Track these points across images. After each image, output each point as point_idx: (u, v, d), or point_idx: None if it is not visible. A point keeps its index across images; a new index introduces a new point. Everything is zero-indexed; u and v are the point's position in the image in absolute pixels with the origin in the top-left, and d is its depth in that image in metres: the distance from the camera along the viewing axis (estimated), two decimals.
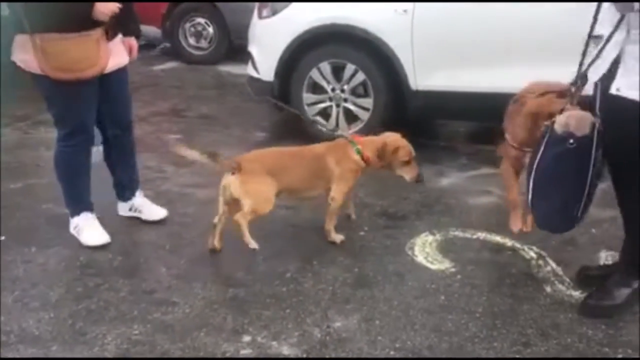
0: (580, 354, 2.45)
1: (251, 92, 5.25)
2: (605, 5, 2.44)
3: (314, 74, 4.71)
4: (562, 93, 2.80)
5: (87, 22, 2.91)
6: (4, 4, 3.02)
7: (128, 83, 3.34)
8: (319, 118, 4.75)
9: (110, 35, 3.05)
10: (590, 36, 2.60)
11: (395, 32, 4.44)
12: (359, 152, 3.23)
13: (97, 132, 3.32)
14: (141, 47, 3.38)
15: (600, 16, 2.46)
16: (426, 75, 4.44)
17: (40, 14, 2.84)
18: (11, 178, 4.07)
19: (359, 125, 4.63)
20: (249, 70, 5.08)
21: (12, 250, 3.19)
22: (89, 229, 3.26)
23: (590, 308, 2.68)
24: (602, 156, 2.48)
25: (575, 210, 2.53)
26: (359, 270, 3.03)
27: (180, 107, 5.99)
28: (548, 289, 2.87)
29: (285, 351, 2.46)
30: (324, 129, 4.70)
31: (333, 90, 4.72)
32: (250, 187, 3.08)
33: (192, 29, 7.82)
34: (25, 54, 2.94)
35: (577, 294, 2.82)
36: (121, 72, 3.23)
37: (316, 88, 4.78)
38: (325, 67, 4.68)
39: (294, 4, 4.70)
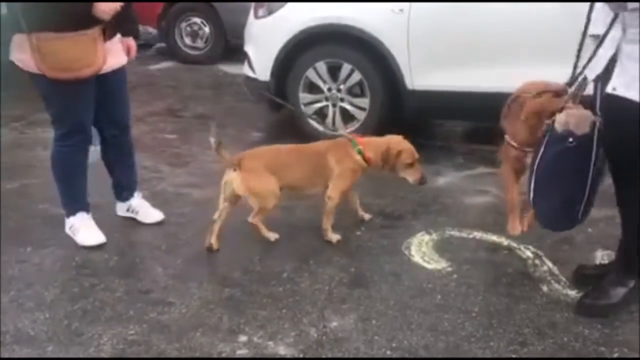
0: (576, 353, 2.45)
1: (247, 91, 5.25)
2: (599, 5, 2.44)
3: (310, 73, 4.71)
4: (558, 92, 2.81)
5: (84, 21, 2.90)
6: (2, 3, 3.01)
7: (126, 83, 3.33)
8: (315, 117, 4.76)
9: (108, 35, 3.04)
10: (584, 36, 2.61)
11: (391, 31, 4.44)
12: (360, 152, 3.23)
13: (94, 132, 3.31)
14: (137, 47, 3.37)
15: (593, 15, 2.47)
16: (422, 75, 4.44)
17: (38, 13, 2.83)
18: (7, 178, 4.06)
19: (355, 125, 4.63)
20: (245, 70, 5.07)
21: (7, 250, 3.18)
22: (84, 229, 3.25)
23: (586, 307, 2.68)
24: (603, 155, 2.48)
25: (576, 209, 2.53)
26: (356, 270, 3.03)
27: (176, 107, 5.99)
28: (544, 288, 2.88)
29: (282, 351, 2.46)
30: (320, 128, 4.73)
31: (329, 90, 4.72)
32: (253, 183, 3.12)
33: (188, 29, 7.81)
34: (22, 54, 2.94)
35: (573, 293, 2.82)
36: (119, 72, 3.22)
37: (312, 88, 4.77)
38: (322, 66, 4.67)
39: (290, 3, 4.70)
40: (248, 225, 3.34)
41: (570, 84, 2.76)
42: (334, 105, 4.73)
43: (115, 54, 3.16)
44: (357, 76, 4.61)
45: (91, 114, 3.16)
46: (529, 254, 3.18)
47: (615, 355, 2.43)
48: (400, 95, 4.53)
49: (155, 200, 3.68)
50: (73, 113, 3.09)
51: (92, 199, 3.37)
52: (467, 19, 4.30)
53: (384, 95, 4.59)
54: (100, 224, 3.32)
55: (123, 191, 3.53)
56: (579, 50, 2.62)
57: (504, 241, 3.30)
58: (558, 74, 2.82)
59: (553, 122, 2.51)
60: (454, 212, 3.69)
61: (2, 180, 4.00)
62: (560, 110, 2.53)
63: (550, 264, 3.07)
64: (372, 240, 3.34)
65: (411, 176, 3.27)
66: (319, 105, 4.77)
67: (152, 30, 7.95)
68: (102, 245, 3.23)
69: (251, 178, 3.13)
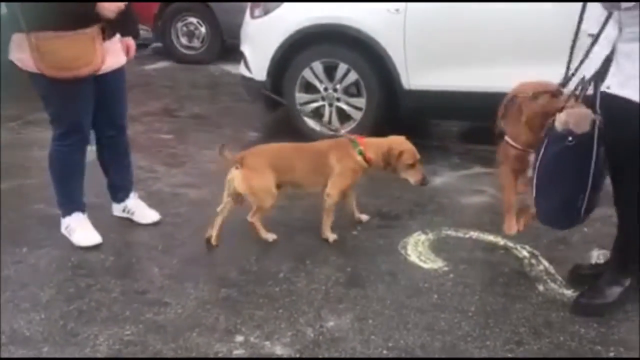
0: (572, 353, 2.45)
1: (244, 91, 5.25)
2: (595, 4, 2.45)
3: (307, 73, 4.71)
4: (554, 93, 2.82)
5: (83, 20, 2.90)
6: (2, 3, 3.01)
7: (125, 83, 3.33)
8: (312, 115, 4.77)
9: (107, 35, 3.04)
10: (576, 35, 2.62)
11: (387, 31, 4.44)
12: (360, 152, 3.24)
13: (91, 132, 3.30)
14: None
15: (591, 15, 2.47)
16: (418, 75, 4.44)
17: (37, 13, 2.83)
18: (2, 178, 4.04)
19: (351, 125, 4.63)
20: (242, 69, 5.07)
21: (3, 250, 3.17)
22: (80, 230, 3.25)
23: (582, 306, 2.69)
24: (604, 154, 2.48)
25: (577, 208, 2.53)
26: (352, 270, 3.03)
27: (172, 106, 5.98)
28: (540, 287, 2.88)
29: (278, 351, 2.46)
30: (317, 128, 4.73)
31: (326, 89, 4.72)
32: (253, 182, 3.16)
33: (185, 29, 7.81)
34: (21, 53, 2.93)
35: (569, 292, 2.83)
36: (118, 72, 3.22)
37: (309, 87, 4.77)
38: (318, 66, 4.68)
39: (286, 3, 4.70)
40: (244, 226, 3.34)
41: (563, 83, 2.77)
42: (331, 105, 4.74)
43: (115, 53, 3.16)
44: (353, 76, 4.61)
45: (90, 114, 3.16)
46: (525, 253, 3.18)
47: (612, 355, 2.44)
48: (397, 95, 4.54)
49: (151, 200, 3.67)
50: (72, 113, 3.08)
51: (87, 199, 3.36)
52: (463, 19, 4.31)
53: (380, 95, 4.59)
54: (96, 224, 3.32)
55: (118, 192, 3.52)
56: (572, 50, 2.63)
57: (500, 241, 3.30)
58: (555, 74, 2.83)
59: (553, 121, 2.52)
60: (450, 211, 3.69)
61: None
62: (561, 109, 2.54)
63: (546, 264, 3.08)
64: (369, 240, 3.34)
65: (412, 177, 3.27)
66: (315, 105, 4.78)
67: (146, 28, 7.92)
68: (98, 245, 3.22)
69: (252, 176, 3.16)
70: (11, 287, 2.87)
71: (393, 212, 3.68)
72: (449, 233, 3.41)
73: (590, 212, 2.60)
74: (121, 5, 2.95)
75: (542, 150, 2.57)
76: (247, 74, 4.96)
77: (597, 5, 2.43)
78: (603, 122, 2.45)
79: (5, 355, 2.43)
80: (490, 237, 3.34)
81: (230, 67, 7.00)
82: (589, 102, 2.56)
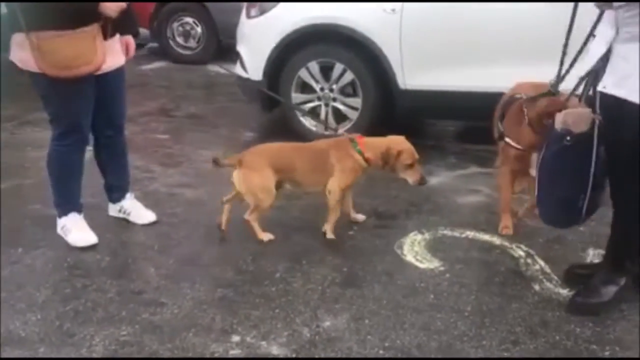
0: (568, 352, 2.46)
1: (240, 91, 5.25)
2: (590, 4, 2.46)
3: (303, 73, 4.71)
4: (555, 93, 2.84)
5: (84, 19, 2.89)
6: (2, 3, 3.00)
7: (125, 83, 3.33)
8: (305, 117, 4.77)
9: (108, 34, 3.03)
10: (568, 34, 2.64)
11: (383, 31, 4.44)
12: (360, 152, 3.25)
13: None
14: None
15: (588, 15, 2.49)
16: (414, 75, 4.45)
17: (36, 12, 2.82)
18: None
19: (347, 125, 4.63)
20: (238, 70, 5.07)
21: None
22: (76, 230, 3.24)
23: (577, 306, 2.69)
24: (604, 153, 2.49)
25: (578, 207, 2.54)
26: (348, 270, 3.03)
27: (168, 106, 5.97)
28: (536, 287, 2.89)
29: (275, 351, 2.46)
30: (314, 128, 4.73)
31: (322, 89, 4.72)
32: (251, 182, 3.20)
33: (181, 29, 7.80)
34: (22, 53, 2.93)
35: (565, 291, 2.84)
36: (119, 71, 3.22)
37: (305, 87, 4.77)
38: (314, 66, 4.68)
39: (282, 3, 4.70)
40: (241, 226, 3.34)
41: (556, 83, 2.79)
42: (327, 105, 4.74)
43: (115, 53, 3.16)
44: (349, 76, 4.62)
45: (90, 114, 3.15)
46: (521, 253, 3.19)
47: (607, 354, 2.45)
48: (393, 95, 4.54)
49: (147, 200, 3.67)
50: (72, 112, 3.08)
51: (84, 199, 3.35)
52: (459, 19, 4.32)
53: (376, 95, 4.60)
54: (92, 224, 3.31)
55: (115, 192, 3.51)
56: (564, 49, 2.65)
57: (496, 240, 3.31)
58: (551, 74, 2.85)
59: (554, 121, 2.53)
60: (446, 211, 3.69)
61: None
62: (561, 109, 2.55)
63: (542, 263, 3.08)
64: (365, 240, 3.34)
65: (411, 177, 3.28)
66: (311, 105, 4.78)
67: (144, 29, 7.92)
68: (94, 246, 3.21)
69: (251, 175, 3.20)
70: (7, 288, 2.86)
71: (389, 212, 3.68)
72: (445, 233, 3.42)
73: (592, 212, 2.61)
74: (123, 4, 2.96)
75: (543, 149, 2.59)
76: (243, 74, 4.96)
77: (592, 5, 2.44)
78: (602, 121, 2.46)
79: (0, 355, 2.43)
80: (486, 237, 3.35)
81: (226, 67, 6.97)
82: (591, 102, 2.57)
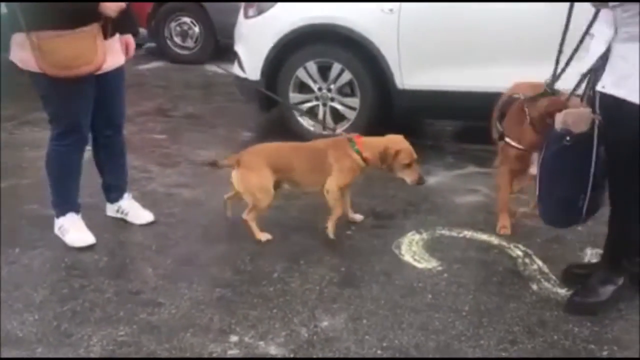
0: (566, 351, 2.46)
1: (238, 91, 5.25)
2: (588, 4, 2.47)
3: (301, 73, 4.70)
4: (554, 92, 2.84)
5: (84, 19, 2.89)
6: (2, 3, 2.99)
7: (124, 82, 3.33)
8: (303, 117, 4.77)
9: (108, 34, 3.03)
10: (564, 34, 2.65)
11: (381, 31, 4.44)
12: (358, 152, 3.25)
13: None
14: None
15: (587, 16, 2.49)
16: (412, 75, 4.45)
17: (36, 12, 2.82)
18: None
19: (345, 125, 4.63)
20: (235, 69, 5.06)
21: None
22: (74, 230, 3.23)
23: (575, 305, 2.70)
24: (604, 153, 2.49)
25: (578, 207, 2.54)
26: (346, 270, 3.03)
27: (166, 106, 5.97)
28: (534, 286, 2.89)
29: (273, 351, 2.45)
30: (312, 128, 4.73)
31: (320, 89, 4.72)
32: (249, 182, 3.22)
33: (178, 29, 7.80)
34: (22, 53, 2.92)
35: (562, 291, 2.84)
36: (118, 71, 3.22)
37: (303, 87, 4.77)
38: (312, 66, 4.68)
39: (279, 3, 4.69)
40: (238, 226, 3.34)
41: (551, 82, 2.80)
42: (325, 105, 4.74)
43: (115, 53, 3.16)
44: (347, 76, 4.62)
45: (89, 114, 3.15)
46: (518, 252, 3.19)
47: (605, 353, 2.45)
48: (391, 94, 4.54)
49: (145, 200, 3.66)
50: (71, 112, 3.08)
51: (81, 199, 3.35)
52: (457, 19, 4.32)
53: (374, 94, 4.60)
54: (90, 224, 3.30)
55: (113, 192, 3.51)
56: (560, 49, 2.66)
57: (494, 240, 3.31)
58: (549, 74, 2.85)
59: (554, 121, 2.54)
60: (444, 211, 3.70)
61: None
62: (562, 109, 2.56)
63: (540, 263, 3.09)
64: (363, 239, 3.34)
65: (409, 176, 3.28)
66: (309, 104, 4.77)
67: (142, 29, 7.92)
68: (91, 246, 3.21)
69: (249, 175, 3.22)
70: (4, 288, 2.85)
71: (387, 211, 3.68)
72: (443, 232, 3.42)
73: (594, 212, 2.61)
74: (123, 4, 2.96)
75: (544, 149, 2.59)
76: (240, 74, 4.96)
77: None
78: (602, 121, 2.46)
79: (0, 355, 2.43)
80: (484, 237, 3.35)
81: (224, 67, 6.97)
82: (592, 102, 2.57)
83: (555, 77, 2.76)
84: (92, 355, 2.43)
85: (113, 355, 2.43)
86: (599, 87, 2.48)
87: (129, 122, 5.14)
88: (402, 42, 4.39)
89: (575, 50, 2.56)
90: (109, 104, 3.24)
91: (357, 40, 4.50)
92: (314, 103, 4.76)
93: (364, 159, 3.26)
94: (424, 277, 2.97)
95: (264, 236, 3.28)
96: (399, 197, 3.85)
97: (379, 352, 2.45)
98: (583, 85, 2.56)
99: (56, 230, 3.27)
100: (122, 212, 3.50)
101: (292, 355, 2.43)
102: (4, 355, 2.43)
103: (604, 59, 2.46)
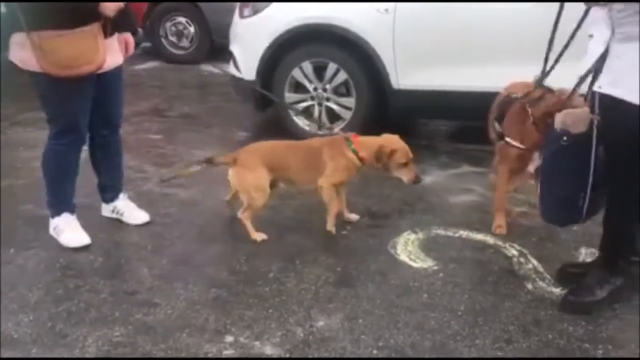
0: (561, 350, 2.47)
1: (233, 91, 5.25)
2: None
3: (296, 73, 4.71)
4: (551, 90, 2.86)
5: (84, 19, 2.89)
6: (2, 3, 2.99)
7: (122, 82, 3.33)
8: (299, 116, 4.78)
9: (107, 33, 3.03)
10: (554, 32, 2.66)
11: (376, 31, 4.45)
12: (354, 151, 3.25)
13: None
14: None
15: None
16: (407, 75, 4.46)
17: (37, 11, 2.82)
18: None
19: (340, 125, 4.64)
20: (231, 69, 5.06)
21: None
22: (69, 231, 3.22)
23: (570, 304, 2.70)
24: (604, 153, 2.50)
25: (578, 207, 2.55)
26: (342, 270, 3.03)
27: (161, 106, 5.96)
28: (529, 286, 2.90)
29: (268, 351, 2.45)
30: (307, 128, 4.73)
31: (315, 89, 4.72)
32: (245, 180, 3.24)
33: (173, 28, 7.78)
34: (22, 52, 2.92)
35: (557, 290, 2.85)
36: (117, 70, 3.23)
37: (298, 87, 4.77)
38: (307, 66, 4.68)
39: (275, 3, 4.69)
40: (234, 226, 3.34)
41: (540, 80, 2.81)
42: (320, 105, 4.74)
43: (114, 52, 3.16)
44: (342, 76, 4.62)
45: (87, 114, 3.15)
46: (514, 252, 3.20)
47: (600, 352, 2.46)
48: (386, 94, 4.55)
49: (140, 200, 3.66)
50: (70, 112, 3.08)
51: (77, 199, 3.34)
52: (452, 19, 4.33)
53: (370, 94, 4.60)
54: (85, 224, 3.30)
55: (108, 192, 3.50)
56: (549, 47, 2.68)
57: (490, 239, 3.32)
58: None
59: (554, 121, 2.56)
60: (439, 210, 3.70)
61: None
62: (559, 109, 2.57)
63: (535, 262, 3.09)
64: (359, 239, 3.34)
65: (405, 175, 3.29)
66: (304, 104, 4.78)
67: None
68: (86, 246, 3.20)
69: (245, 173, 3.24)
70: None
71: (382, 211, 3.68)
72: (438, 232, 3.42)
73: (594, 212, 2.62)
74: (121, 4, 2.97)
75: (545, 149, 2.62)
76: (236, 73, 4.96)
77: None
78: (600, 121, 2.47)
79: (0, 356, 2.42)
80: (480, 236, 3.36)
81: (220, 67, 6.97)
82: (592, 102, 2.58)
83: (545, 74, 2.78)
84: (87, 356, 2.42)
85: (108, 355, 2.42)
86: (595, 87, 2.49)
87: (125, 122, 5.10)
88: (398, 42, 4.39)
89: (565, 46, 2.58)
90: (107, 104, 3.24)
91: (353, 40, 4.50)
92: (310, 103, 4.76)
93: (360, 158, 3.27)
94: (420, 276, 2.98)
95: (259, 236, 3.27)
96: (394, 196, 3.85)
97: (374, 351, 2.45)
98: (585, 86, 2.57)
99: (51, 231, 3.26)
100: (117, 212, 3.50)
101: (287, 355, 2.43)
102: (0, 356, 2.43)
103: (602, 59, 2.46)
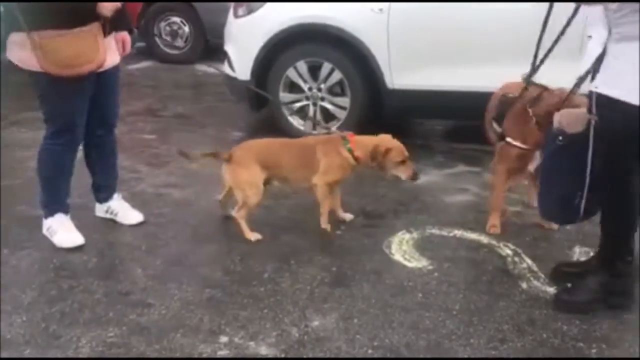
0: (555, 349, 2.47)
1: (228, 91, 5.24)
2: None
3: (291, 73, 4.70)
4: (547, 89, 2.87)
5: (84, 18, 2.89)
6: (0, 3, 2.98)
7: (119, 81, 3.32)
8: (293, 116, 4.78)
9: (106, 32, 3.03)
10: (543, 31, 2.67)
11: (371, 31, 4.45)
12: (350, 150, 3.25)
13: None
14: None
15: (586, 16, 2.53)
16: (402, 75, 4.46)
17: (36, 11, 2.81)
18: None
19: (335, 125, 4.63)
20: (225, 69, 5.05)
21: None
22: (62, 231, 3.21)
23: (564, 303, 2.71)
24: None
25: (575, 205, 2.56)
26: (337, 269, 3.03)
27: (155, 106, 5.94)
28: (524, 285, 2.90)
29: (263, 351, 2.45)
30: (302, 128, 4.73)
31: (310, 89, 4.72)
32: (239, 177, 3.25)
33: (168, 28, 7.76)
34: (22, 52, 2.91)
35: (552, 289, 2.85)
36: (115, 69, 3.23)
37: (293, 87, 4.77)
38: (302, 66, 4.67)
39: (269, 3, 4.69)
40: (229, 226, 3.33)
41: (528, 77, 2.83)
42: (315, 105, 4.74)
43: (112, 51, 3.16)
44: (337, 75, 4.62)
45: (85, 114, 3.14)
46: (508, 251, 3.20)
47: (594, 351, 2.46)
48: (380, 94, 4.55)
49: (134, 200, 3.65)
50: (68, 112, 3.07)
51: (70, 199, 3.32)
52: (447, 19, 4.33)
53: (365, 94, 4.60)
54: (79, 225, 3.28)
55: (102, 192, 3.49)
56: (538, 45, 2.69)
57: (484, 239, 3.32)
58: (539, 73, 2.86)
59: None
60: (434, 210, 3.70)
61: None
62: (557, 109, 2.58)
63: (529, 261, 3.10)
64: (353, 239, 3.34)
65: (403, 173, 3.30)
66: (299, 104, 4.77)
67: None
68: (80, 246, 3.19)
69: (239, 170, 3.24)
70: None
71: (377, 211, 3.68)
72: (433, 232, 3.42)
73: (592, 212, 2.63)
74: (119, 4, 2.98)
75: (544, 148, 2.64)
76: (231, 73, 4.95)
77: (598, 6, 2.45)
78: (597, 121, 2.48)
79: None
80: (474, 236, 3.36)
81: (215, 66, 6.95)
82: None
83: (533, 71, 2.80)
84: (81, 357, 2.41)
85: (102, 356, 2.41)
86: (592, 87, 2.50)
87: (119, 122, 5.11)
88: (392, 41, 4.40)
89: (555, 42, 2.60)
90: (103, 103, 3.23)
91: (347, 39, 4.50)
92: (305, 102, 4.76)
93: (355, 158, 3.27)
94: (415, 276, 2.98)
95: (253, 236, 3.27)
96: (389, 196, 3.85)
97: (369, 351, 2.45)
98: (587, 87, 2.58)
99: (44, 231, 3.25)
100: (111, 213, 3.48)
101: (282, 356, 2.43)
102: None
103: (600, 60, 2.47)
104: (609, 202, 2.63)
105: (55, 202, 3.24)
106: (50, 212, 3.24)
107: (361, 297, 2.80)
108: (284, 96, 4.76)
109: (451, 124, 5.33)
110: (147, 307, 2.72)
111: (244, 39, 4.83)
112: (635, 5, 2.28)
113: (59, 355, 2.42)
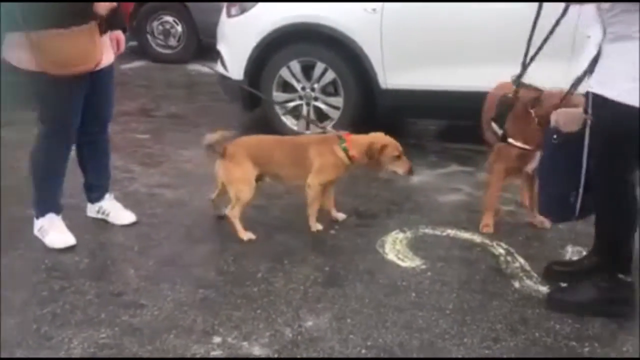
0: (547, 348, 2.48)
1: (221, 90, 5.23)
2: (589, 5, 2.50)
3: (284, 72, 4.70)
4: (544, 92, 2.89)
5: (81, 17, 2.89)
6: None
7: (114, 80, 3.31)
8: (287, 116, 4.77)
9: (102, 31, 3.03)
10: (532, 31, 2.68)
11: (364, 31, 4.45)
12: (345, 150, 3.25)
13: None
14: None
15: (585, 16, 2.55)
16: (395, 74, 4.46)
17: (34, 11, 2.80)
18: None
19: (329, 125, 4.62)
20: (219, 68, 5.04)
21: None
22: (54, 231, 3.19)
23: (558, 302, 2.71)
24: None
25: (571, 203, 2.58)
26: (330, 269, 3.03)
27: (148, 106, 5.92)
28: (516, 284, 2.91)
29: (257, 351, 2.44)
30: (295, 127, 4.72)
31: (303, 89, 4.72)
32: (231, 173, 3.25)
33: (161, 28, 7.74)
34: (19, 52, 2.90)
35: (544, 288, 2.86)
36: (109, 68, 3.23)
37: (286, 87, 4.77)
38: (295, 65, 4.67)
39: (262, 2, 4.68)
40: (222, 226, 3.32)
41: (517, 77, 2.84)
42: (308, 104, 4.73)
43: (107, 50, 3.16)
44: (330, 75, 4.62)
45: (79, 114, 3.13)
46: (501, 250, 3.21)
47: (586, 350, 2.47)
48: (374, 94, 4.55)
49: (127, 200, 3.63)
50: (65, 111, 3.06)
51: (62, 199, 3.31)
52: (440, 19, 4.34)
53: (358, 94, 4.60)
54: (71, 225, 3.27)
55: (94, 192, 3.47)
56: (528, 45, 2.70)
57: (477, 238, 3.33)
58: (532, 73, 2.87)
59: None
60: (427, 210, 3.71)
61: None
62: (554, 109, 2.59)
63: (522, 261, 3.11)
64: (347, 239, 3.34)
65: (400, 167, 3.31)
66: (293, 104, 4.77)
67: None
68: (72, 247, 3.17)
69: (231, 166, 3.25)
70: None
71: (370, 210, 3.68)
72: (426, 231, 3.43)
73: (589, 211, 2.64)
74: (114, 4, 2.99)
75: (543, 147, 2.67)
76: (224, 73, 4.94)
77: (592, 6, 2.46)
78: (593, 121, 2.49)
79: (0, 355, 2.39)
80: (467, 235, 3.37)
81: (209, 65, 6.93)
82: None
83: (522, 71, 2.81)
84: (72, 358, 2.39)
85: (94, 357, 2.40)
86: (587, 87, 2.51)
87: (112, 121, 5.10)
88: (385, 41, 4.40)
89: (544, 41, 2.61)
90: (98, 102, 3.23)
91: (340, 39, 4.50)
92: (298, 102, 4.75)
93: (350, 157, 3.27)
94: (408, 275, 2.98)
95: (247, 235, 3.26)
96: (382, 196, 3.85)
97: (363, 351, 2.45)
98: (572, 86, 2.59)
99: (36, 232, 3.23)
100: (103, 213, 3.47)
101: (276, 356, 2.42)
102: None
103: (596, 60, 2.48)
104: (605, 202, 2.63)
105: (47, 202, 3.23)
106: (41, 212, 3.22)
107: (354, 297, 2.80)
108: (277, 96, 4.76)
109: (444, 123, 5.33)
110: (140, 307, 2.70)
111: (237, 39, 4.82)
112: (626, 4, 2.29)
113: (50, 357, 2.40)
